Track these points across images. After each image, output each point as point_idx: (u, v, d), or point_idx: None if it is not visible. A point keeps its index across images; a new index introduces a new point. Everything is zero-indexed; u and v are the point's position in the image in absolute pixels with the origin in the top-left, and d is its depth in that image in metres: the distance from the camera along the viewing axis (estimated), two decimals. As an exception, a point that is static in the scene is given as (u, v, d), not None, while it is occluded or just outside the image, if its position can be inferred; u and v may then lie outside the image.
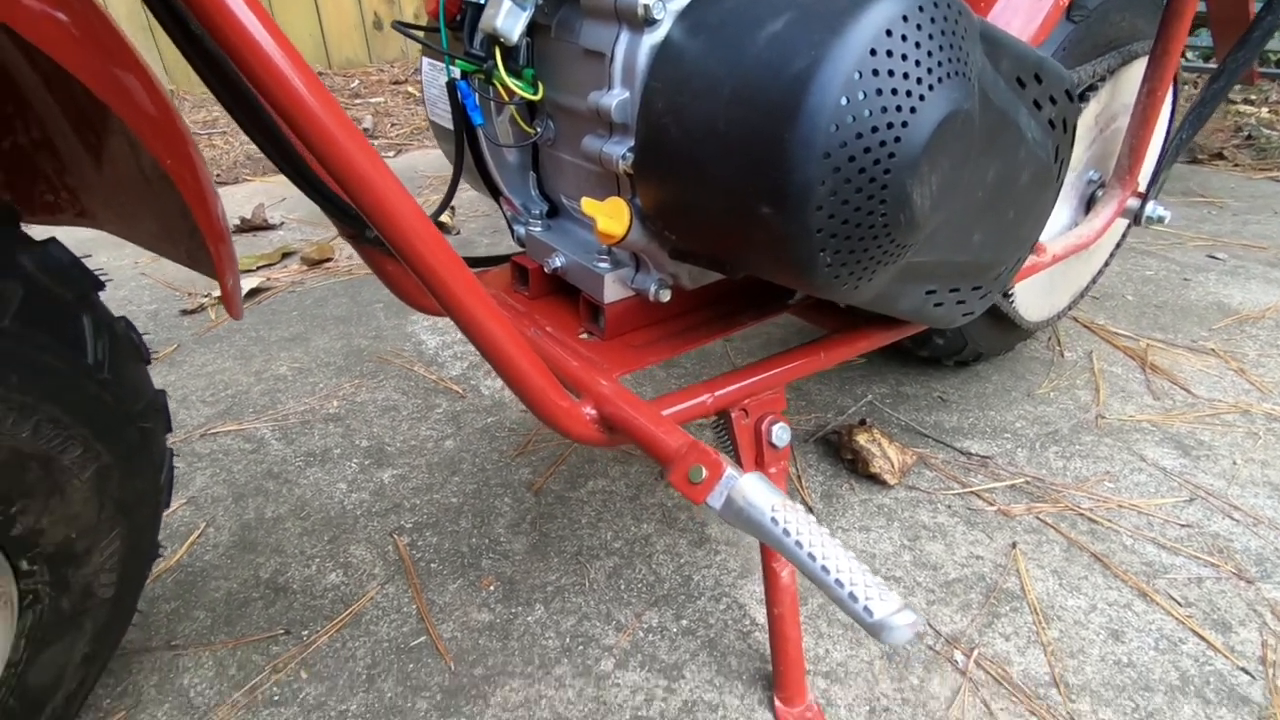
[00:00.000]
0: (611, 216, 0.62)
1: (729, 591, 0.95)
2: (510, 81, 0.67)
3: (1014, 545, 1.01)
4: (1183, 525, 1.03)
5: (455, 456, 1.20)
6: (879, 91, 0.48)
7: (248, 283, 1.77)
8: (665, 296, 0.73)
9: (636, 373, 1.30)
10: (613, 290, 0.75)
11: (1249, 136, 2.61)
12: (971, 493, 1.10)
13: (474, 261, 0.88)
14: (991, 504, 1.07)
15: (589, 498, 1.11)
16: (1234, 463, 1.14)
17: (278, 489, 1.14)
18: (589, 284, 0.76)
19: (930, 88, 0.50)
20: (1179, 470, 1.13)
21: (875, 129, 0.49)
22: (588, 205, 0.63)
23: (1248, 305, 1.60)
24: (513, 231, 0.85)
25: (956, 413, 1.28)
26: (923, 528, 1.03)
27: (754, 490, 0.52)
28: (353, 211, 0.59)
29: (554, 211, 0.84)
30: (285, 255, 1.98)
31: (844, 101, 0.48)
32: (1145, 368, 1.39)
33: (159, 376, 1.45)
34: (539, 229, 0.82)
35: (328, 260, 1.93)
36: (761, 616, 0.91)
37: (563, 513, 1.08)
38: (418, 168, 2.58)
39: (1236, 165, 2.43)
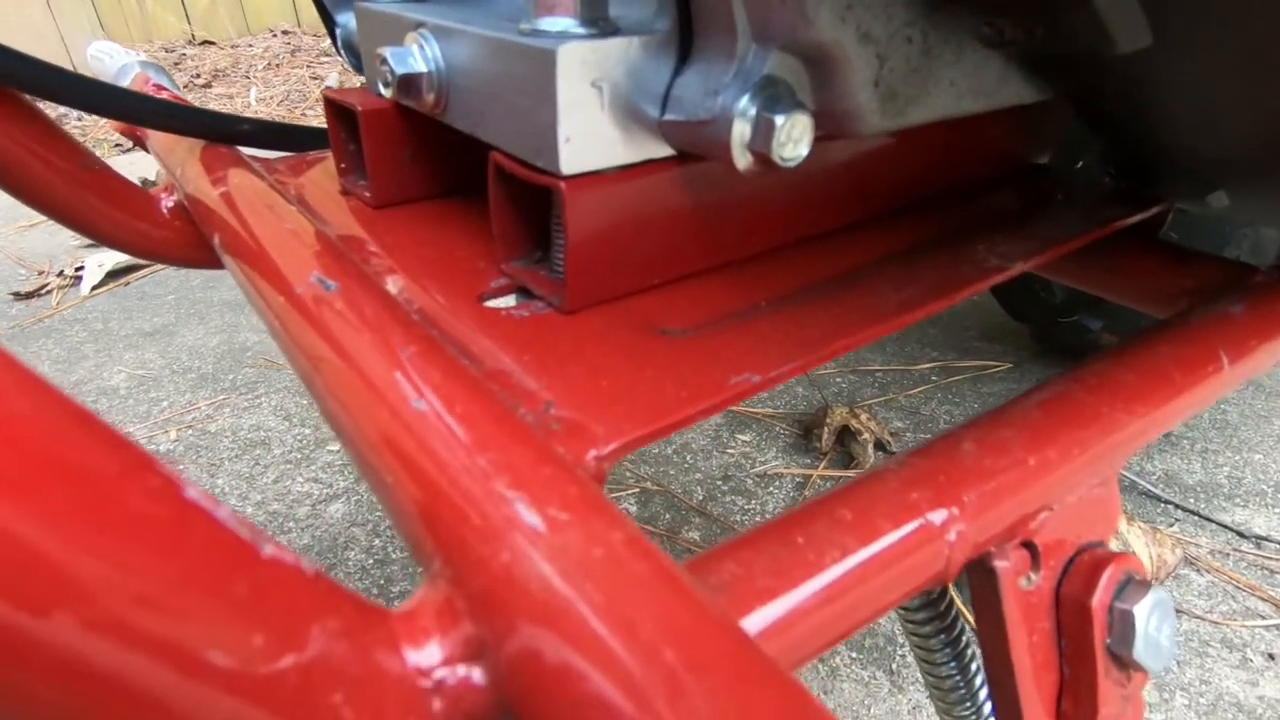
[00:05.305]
0: None
1: None
2: None
3: None
4: None
5: (342, 537, 0.69)
6: None
7: (110, 259, 1.27)
8: (798, 144, 0.21)
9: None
10: (584, 118, 0.22)
11: None
12: (1302, 623, 0.57)
13: (236, 133, 0.35)
14: (1356, 652, 0.55)
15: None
16: None
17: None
18: (517, 110, 0.24)
19: None
20: None
21: None
22: None
23: None
24: (331, 30, 0.33)
25: (1195, 456, 0.75)
26: (1243, 714, 0.51)
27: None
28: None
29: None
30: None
31: None
32: None
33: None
34: None
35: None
36: None
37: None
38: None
39: None
